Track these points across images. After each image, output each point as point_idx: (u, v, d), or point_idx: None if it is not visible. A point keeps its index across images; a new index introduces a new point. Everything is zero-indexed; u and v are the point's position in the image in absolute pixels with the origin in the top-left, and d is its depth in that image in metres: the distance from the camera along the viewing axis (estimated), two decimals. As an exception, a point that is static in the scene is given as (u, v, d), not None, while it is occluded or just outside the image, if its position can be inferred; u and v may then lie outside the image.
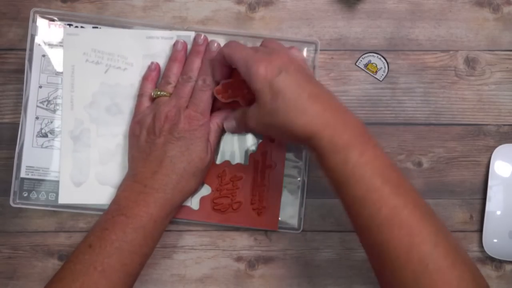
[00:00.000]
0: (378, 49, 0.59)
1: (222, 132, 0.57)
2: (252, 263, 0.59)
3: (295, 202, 0.58)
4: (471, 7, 0.60)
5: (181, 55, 0.56)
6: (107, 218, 0.52)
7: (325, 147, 0.45)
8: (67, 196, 0.57)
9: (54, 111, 0.58)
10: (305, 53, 0.58)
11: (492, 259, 0.59)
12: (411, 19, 0.60)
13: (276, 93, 0.46)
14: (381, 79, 0.59)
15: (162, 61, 0.57)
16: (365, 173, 0.45)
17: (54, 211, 0.59)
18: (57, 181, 0.57)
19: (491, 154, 0.59)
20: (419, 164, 0.60)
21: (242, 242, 0.59)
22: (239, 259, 0.59)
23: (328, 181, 0.47)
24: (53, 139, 0.58)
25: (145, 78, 0.57)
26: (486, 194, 0.58)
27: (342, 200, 0.47)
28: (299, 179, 0.58)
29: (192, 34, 0.57)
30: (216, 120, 0.56)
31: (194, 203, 0.57)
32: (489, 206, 0.58)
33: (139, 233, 0.51)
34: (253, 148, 0.58)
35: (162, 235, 0.54)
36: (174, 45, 0.56)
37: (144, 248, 0.52)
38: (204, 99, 0.54)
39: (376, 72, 0.59)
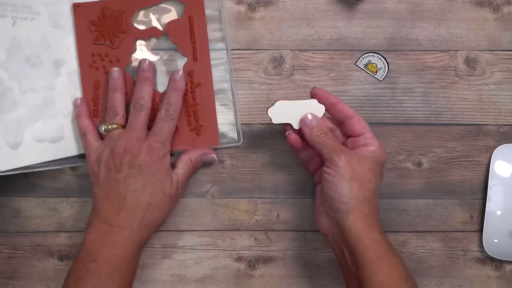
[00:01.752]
0: (378, 49, 0.59)
1: (194, 169, 0.56)
2: (252, 263, 0.59)
3: (230, 115, 0.58)
4: (471, 7, 0.60)
5: (120, 83, 0.55)
6: (78, 266, 0.50)
7: (385, 245, 0.50)
8: (7, 161, 0.56)
9: None
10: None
11: (492, 259, 0.59)
12: (411, 19, 0.59)
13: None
14: (381, 79, 0.59)
15: (66, 7, 0.56)
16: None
17: (54, 209, 0.59)
18: None
19: (491, 154, 0.59)
20: (419, 164, 0.60)
21: (242, 242, 0.59)
22: (239, 259, 0.59)
23: (366, 279, 0.50)
24: None
25: (77, 116, 0.56)
26: (486, 194, 0.58)
27: None
28: (229, 91, 0.58)
29: None
30: (190, 155, 0.56)
31: None
32: (489, 206, 0.58)
33: (114, 277, 0.50)
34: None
35: (137, 268, 0.53)
36: (110, 73, 0.55)
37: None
38: (166, 129, 0.53)
39: (376, 72, 0.59)
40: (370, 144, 0.52)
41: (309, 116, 0.52)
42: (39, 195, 0.59)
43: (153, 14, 0.58)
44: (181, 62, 0.57)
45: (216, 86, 0.57)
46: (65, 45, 0.57)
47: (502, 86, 0.60)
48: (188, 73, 0.57)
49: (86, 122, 0.55)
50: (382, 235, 0.51)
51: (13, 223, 0.59)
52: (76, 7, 0.57)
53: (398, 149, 0.59)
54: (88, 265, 0.50)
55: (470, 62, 0.59)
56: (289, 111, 0.53)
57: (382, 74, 0.59)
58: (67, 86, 0.57)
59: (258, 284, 0.59)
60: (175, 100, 0.54)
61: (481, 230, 0.59)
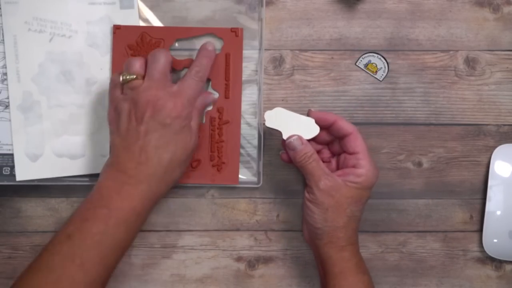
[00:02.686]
0: (378, 49, 0.59)
1: (202, 116, 0.56)
2: (252, 263, 0.59)
3: (253, 157, 0.58)
4: (471, 7, 0.60)
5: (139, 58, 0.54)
6: (88, 207, 0.49)
7: (353, 263, 0.52)
8: (24, 172, 0.56)
9: (1, 81, 0.57)
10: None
11: (492, 259, 0.59)
12: (411, 19, 0.59)
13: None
14: (381, 79, 0.59)
15: (106, 28, 0.57)
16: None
17: (54, 209, 0.59)
18: (10, 154, 0.57)
19: (491, 154, 0.59)
20: (419, 164, 0.60)
21: (242, 242, 0.59)
22: (239, 259, 0.59)
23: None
24: (2, 111, 0.57)
25: (114, 72, 0.56)
26: (486, 194, 0.58)
27: None
28: (255, 134, 0.58)
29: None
30: (198, 106, 0.54)
31: None
32: (489, 206, 0.58)
33: (121, 227, 0.49)
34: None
35: (145, 221, 0.52)
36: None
37: (124, 241, 0.50)
38: (193, 87, 0.52)
39: (376, 72, 0.59)
40: (360, 166, 0.52)
41: (294, 139, 0.52)
42: (39, 195, 0.59)
43: (191, 46, 0.58)
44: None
45: (243, 127, 0.58)
46: (99, 64, 0.57)
47: (502, 86, 0.60)
48: (218, 109, 0.57)
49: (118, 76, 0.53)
50: (354, 253, 0.52)
51: (13, 223, 0.59)
52: (116, 28, 0.57)
53: (398, 149, 0.59)
54: (98, 210, 0.49)
55: (470, 62, 0.59)
56: (285, 121, 0.53)
57: (382, 74, 0.59)
58: (96, 105, 0.57)
59: (258, 284, 0.59)
60: (206, 66, 0.53)
61: (481, 230, 0.59)
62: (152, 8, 0.59)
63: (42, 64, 0.57)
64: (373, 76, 0.59)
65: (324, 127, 0.53)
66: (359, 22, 0.59)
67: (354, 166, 0.52)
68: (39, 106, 0.56)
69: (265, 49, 0.59)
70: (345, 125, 0.53)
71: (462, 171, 0.60)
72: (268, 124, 0.53)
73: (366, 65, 0.59)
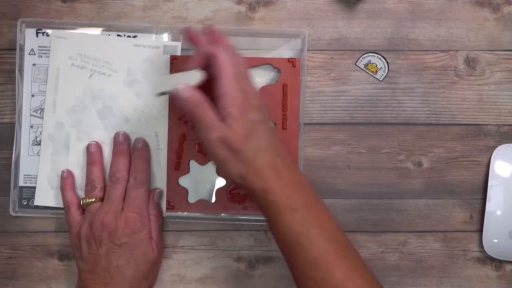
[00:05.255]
0: (378, 49, 0.59)
1: (160, 218, 0.57)
2: (252, 263, 0.59)
3: None
4: (471, 7, 0.60)
5: (97, 156, 0.56)
6: None
7: (282, 205, 0.47)
8: (43, 198, 0.58)
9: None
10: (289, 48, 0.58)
11: (492, 259, 0.59)
12: (411, 19, 0.60)
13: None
14: (381, 79, 0.59)
15: (146, 70, 0.57)
16: (320, 235, 0.47)
17: (54, 209, 0.59)
18: (28, 187, 0.58)
19: (491, 154, 0.59)
20: (419, 164, 0.60)
21: (242, 242, 0.59)
22: (239, 259, 0.59)
23: (279, 243, 0.49)
24: None
25: (63, 189, 0.56)
26: (486, 194, 0.58)
27: (292, 262, 0.48)
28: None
29: (178, 45, 0.57)
30: (152, 212, 0.56)
31: (209, 196, 0.58)
32: (489, 206, 0.58)
33: None
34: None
35: None
36: (88, 148, 0.56)
37: None
38: (139, 196, 0.54)
39: (376, 72, 0.59)
40: (221, 94, 0.46)
41: (181, 89, 0.47)
42: (39, 195, 0.59)
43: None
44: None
45: None
46: (133, 105, 0.58)
47: (502, 86, 0.60)
48: None
49: (71, 195, 0.56)
50: (313, 215, 0.48)
51: (13, 223, 0.59)
52: (173, 59, 0.57)
53: (398, 149, 0.60)
54: None
55: (470, 62, 0.59)
56: (172, 81, 0.49)
57: (382, 74, 0.59)
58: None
59: (258, 284, 0.59)
60: (141, 167, 0.55)
61: (481, 230, 0.59)
62: (152, 8, 0.59)
63: (78, 98, 0.58)
64: (373, 76, 0.59)
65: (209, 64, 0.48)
66: (359, 22, 0.59)
67: (218, 95, 0.46)
68: (69, 137, 0.57)
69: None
70: (208, 48, 0.48)
71: (462, 171, 0.60)
72: (156, 91, 0.50)
73: (366, 65, 0.59)
